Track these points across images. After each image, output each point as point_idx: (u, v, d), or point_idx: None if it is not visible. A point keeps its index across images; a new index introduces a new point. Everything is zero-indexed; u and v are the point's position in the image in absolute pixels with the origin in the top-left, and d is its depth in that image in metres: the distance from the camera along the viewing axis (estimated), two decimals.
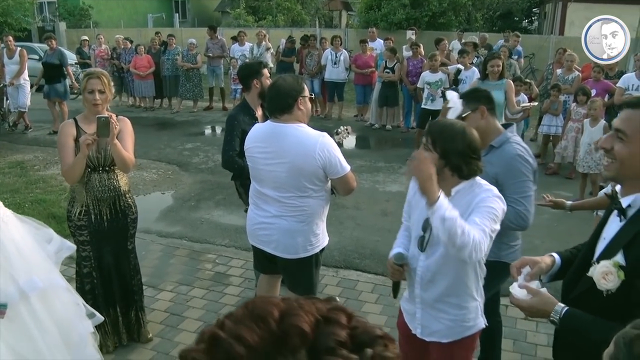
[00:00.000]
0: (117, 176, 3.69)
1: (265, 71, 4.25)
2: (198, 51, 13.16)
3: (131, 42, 13.71)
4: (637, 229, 1.80)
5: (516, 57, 11.45)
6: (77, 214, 3.65)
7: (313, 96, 3.41)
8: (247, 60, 12.60)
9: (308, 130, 3.22)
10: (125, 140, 3.66)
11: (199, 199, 7.26)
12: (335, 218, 6.19)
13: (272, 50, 12.97)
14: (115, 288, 3.81)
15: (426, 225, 2.53)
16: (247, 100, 4.29)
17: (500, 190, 2.57)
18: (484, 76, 6.80)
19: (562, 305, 1.90)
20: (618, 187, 1.96)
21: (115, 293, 3.81)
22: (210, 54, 13.38)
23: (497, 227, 2.41)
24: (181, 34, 19.56)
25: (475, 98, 3.17)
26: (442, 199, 2.28)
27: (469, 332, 2.66)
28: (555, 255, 2.18)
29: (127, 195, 3.78)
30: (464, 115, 3.11)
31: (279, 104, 3.21)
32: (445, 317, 2.62)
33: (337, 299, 4.60)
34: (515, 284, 2.01)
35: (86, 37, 14.86)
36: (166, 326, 4.21)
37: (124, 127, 3.70)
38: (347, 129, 3.85)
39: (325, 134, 3.22)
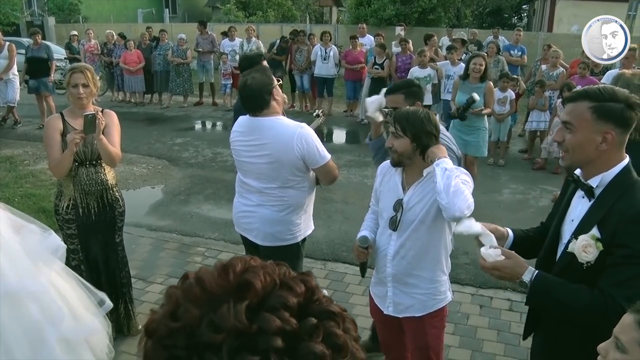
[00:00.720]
0: (104, 170, 3.72)
1: (265, 63, 4.30)
2: (188, 46, 13.17)
3: (124, 37, 13.68)
4: (609, 205, 1.97)
5: (519, 53, 11.48)
6: (64, 208, 3.68)
7: (281, 81, 3.50)
8: (237, 56, 12.63)
9: (286, 122, 3.30)
10: (112, 134, 3.68)
11: (188, 193, 7.30)
12: (324, 212, 6.26)
13: (262, 48, 12.95)
14: (103, 281, 3.84)
15: (397, 207, 2.72)
16: None
17: None
18: (465, 76, 6.84)
19: (532, 268, 2.04)
20: (578, 172, 2.09)
21: (104, 286, 3.82)
22: (200, 49, 13.38)
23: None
24: (171, 29, 19.50)
25: (414, 93, 3.30)
26: (447, 159, 2.56)
27: (440, 304, 2.84)
28: (509, 230, 2.32)
29: (115, 189, 3.82)
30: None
31: (255, 104, 3.28)
32: (418, 291, 2.79)
33: (325, 292, 4.72)
34: (483, 248, 2.10)
35: (75, 32, 14.82)
36: None
37: (110, 121, 3.71)
38: (322, 111, 3.93)
39: (303, 124, 3.30)
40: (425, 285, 2.79)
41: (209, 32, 13.82)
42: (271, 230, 3.42)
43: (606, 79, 7.27)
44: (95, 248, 3.80)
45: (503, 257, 2.04)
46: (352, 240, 5.84)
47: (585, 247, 1.92)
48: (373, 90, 11.28)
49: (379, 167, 2.97)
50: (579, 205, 2.11)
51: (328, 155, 3.32)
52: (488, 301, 4.55)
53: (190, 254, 5.43)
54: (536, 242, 2.34)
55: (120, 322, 3.99)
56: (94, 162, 3.65)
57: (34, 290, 2.74)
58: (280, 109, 3.39)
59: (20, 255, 2.78)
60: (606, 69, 8.64)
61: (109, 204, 3.77)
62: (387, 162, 2.88)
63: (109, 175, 3.77)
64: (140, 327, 4.05)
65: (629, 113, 1.95)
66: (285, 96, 3.49)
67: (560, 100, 8.07)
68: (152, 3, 30.88)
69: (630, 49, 7.31)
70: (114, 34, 13.82)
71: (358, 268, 5.29)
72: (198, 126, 11.85)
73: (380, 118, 3.36)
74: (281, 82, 3.48)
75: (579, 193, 2.11)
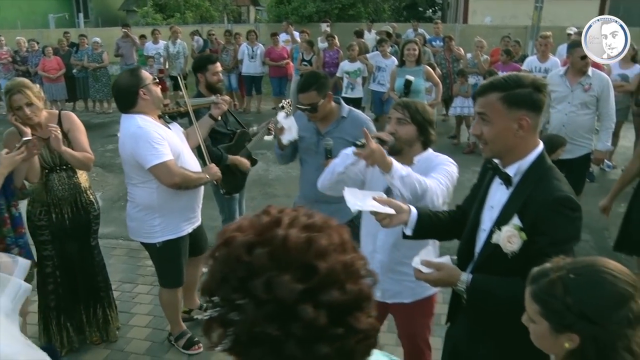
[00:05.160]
0: (76, 174, 3.63)
1: (213, 66, 4.39)
2: (103, 50, 12.83)
3: (37, 43, 13.13)
4: (527, 193, 2.02)
5: (441, 44, 11.50)
6: (37, 215, 3.58)
7: (157, 80, 3.57)
8: (162, 59, 12.43)
9: (133, 121, 3.34)
10: (77, 138, 3.57)
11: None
12: None
13: (187, 50, 12.77)
14: (80, 286, 3.76)
15: (388, 194, 2.68)
16: (200, 92, 4.48)
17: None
18: (402, 63, 7.10)
19: (466, 273, 2.09)
20: (497, 160, 2.16)
21: (80, 291, 3.77)
22: (121, 54, 13.06)
23: (450, 185, 2.65)
24: (86, 34, 18.88)
25: (324, 85, 3.44)
26: (395, 163, 2.47)
27: (430, 291, 2.88)
28: (412, 207, 2.28)
29: (89, 192, 3.74)
30: (319, 104, 3.39)
31: (122, 103, 3.42)
32: (407, 278, 2.74)
33: None
34: (416, 258, 2.13)
35: None
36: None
37: (72, 124, 3.59)
38: (288, 102, 3.95)
39: (146, 125, 3.31)
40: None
41: (131, 35, 13.50)
42: (130, 224, 3.61)
43: (526, 66, 7.76)
44: (71, 253, 3.71)
45: (434, 271, 2.08)
46: None
47: (510, 238, 1.97)
48: None
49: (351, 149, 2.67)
50: (498, 193, 2.14)
51: (161, 160, 3.28)
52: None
53: (141, 258, 5.36)
54: (445, 224, 2.36)
55: (99, 328, 3.92)
56: (64, 167, 3.55)
57: None
58: (151, 108, 3.44)
59: None
60: (524, 56, 9.19)
61: (84, 207, 3.67)
62: None
63: (82, 178, 3.68)
64: (117, 332, 4.02)
65: (537, 96, 2.00)
66: (158, 91, 3.49)
67: None
68: (63, 7, 29.61)
69: (543, 37, 7.82)
70: (25, 41, 13.23)
71: None
72: None
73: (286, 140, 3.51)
74: (157, 80, 3.54)
75: (498, 180, 2.15)
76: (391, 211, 2.18)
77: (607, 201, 3.76)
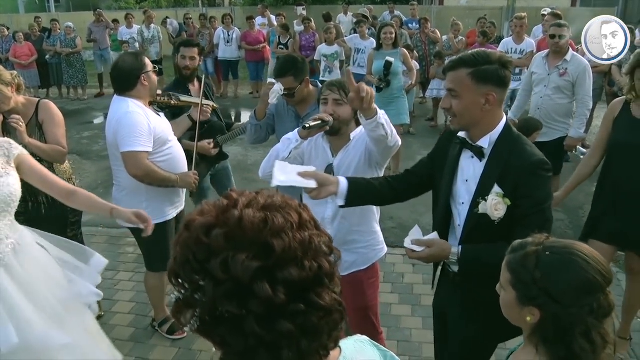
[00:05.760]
0: (52, 165, 3.52)
1: (184, 49, 4.27)
2: (76, 34, 12.61)
3: (8, 28, 12.85)
4: (503, 162, 2.14)
5: (417, 26, 11.47)
6: None
7: (157, 68, 3.58)
8: (137, 44, 12.24)
9: (125, 104, 3.35)
10: (51, 130, 3.47)
11: (106, 186, 7.09)
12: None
13: (161, 34, 12.61)
14: None
15: (329, 171, 2.79)
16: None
17: None
18: (379, 46, 7.11)
19: (456, 246, 2.22)
20: (463, 134, 2.26)
21: None
22: (94, 38, 12.85)
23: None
24: (58, 18, 18.51)
25: (301, 70, 3.45)
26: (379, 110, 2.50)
27: (380, 254, 3.04)
28: (340, 178, 2.37)
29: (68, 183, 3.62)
30: (296, 90, 3.42)
31: (120, 84, 3.42)
32: (359, 245, 2.93)
33: None
34: (407, 239, 2.25)
35: None
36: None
37: (47, 115, 3.49)
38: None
39: (136, 111, 3.31)
40: (365, 239, 2.94)
41: (104, 18, 13.27)
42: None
43: (502, 47, 7.84)
44: None
45: (426, 248, 2.20)
46: None
47: (496, 206, 2.09)
48: None
49: (293, 134, 2.81)
50: (471, 166, 2.24)
51: (133, 148, 3.27)
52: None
53: (121, 245, 5.36)
54: (382, 190, 2.44)
55: None
56: (37, 158, 3.36)
57: (63, 343, 2.57)
58: (146, 94, 3.47)
59: (52, 301, 2.62)
60: (500, 37, 9.27)
61: None
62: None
63: (58, 170, 3.58)
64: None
65: (503, 72, 2.11)
66: (155, 80, 3.52)
67: None
68: None
69: (518, 18, 7.90)
70: None
71: None
72: (104, 118, 11.38)
73: (275, 101, 3.42)
74: (156, 69, 3.55)
75: (467, 154, 2.25)
76: (312, 184, 2.23)
77: (562, 194, 3.70)
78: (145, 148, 3.30)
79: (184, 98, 4.05)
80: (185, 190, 3.76)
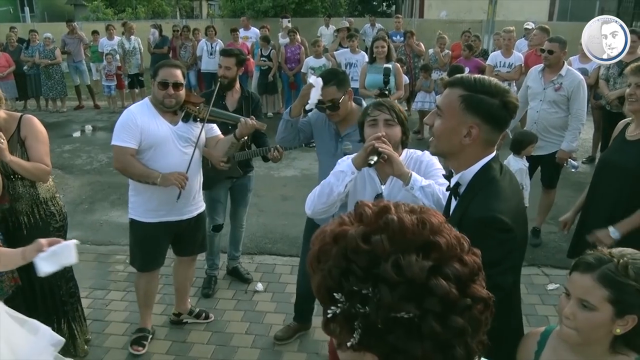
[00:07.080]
0: (35, 183, 3.37)
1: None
2: (56, 46, 12.39)
3: None
4: (465, 206, 1.87)
5: (402, 39, 11.46)
6: None
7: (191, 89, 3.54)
8: (118, 55, 12.06)
9: (138, 103, 3.69)
10: (34, 146, 3.29)
11: (91, 201, 6.95)
12: None
13: (141, 45, 12.45)
14: (38, 301, 3.55)
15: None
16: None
17: None
18: (372, 59, 7.08)
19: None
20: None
21: (39, 307, 3.54)
22: (68, 50, 12.63)
23: None
24: (34, 28, 18.21)
25: (344, 81, 3.36)
26: (413, 173, 2.41)
27: None
28: None
29: (50, 203, 3.47)
30: (340, 101, 3.29)
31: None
32: None
33: (260, 285, 4.67)
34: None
35: None
36: (92, 333, 4.03)
37: (30, 131, 3.31)
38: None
39: (135, 109, 3.58)
40: None
41: (77, 32, 13.05)
42: None
43: (491, 61, 7.90)
44: (28, 265, 3.50)
45: None
46: (273, 231, 5.92)
47: None
48: (262, 83, 11.35)
49: (347, 166, 2.58)
50: (453, 201, 2.02)
51: (115, 142, 3.50)
52: None
53: (110, 263, 5.20)
54: None
55: (66, 343, 3.72)
56: (18, 176, 3.28)
57: None
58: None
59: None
60: (485, 50, 9.34)
61: (42, 219, 3.42)
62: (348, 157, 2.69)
63: (41, 188, 3.41)
64: (86, 347, 3.84)
65: (500, 112, 1.82)
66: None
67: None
68: (7, 1, 28.51)
69: (507, 31, 7.95)
70: None
71: (285, 258, 5.42)
72: (85, 131, 11.20)
73: (313, 106, 3.26)
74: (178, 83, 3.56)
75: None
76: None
77: (572, 216, 3.65)
78: (125, 144, 3.47)
79: (218, 112, 3.73)
80: (177, 207, 3.66)
